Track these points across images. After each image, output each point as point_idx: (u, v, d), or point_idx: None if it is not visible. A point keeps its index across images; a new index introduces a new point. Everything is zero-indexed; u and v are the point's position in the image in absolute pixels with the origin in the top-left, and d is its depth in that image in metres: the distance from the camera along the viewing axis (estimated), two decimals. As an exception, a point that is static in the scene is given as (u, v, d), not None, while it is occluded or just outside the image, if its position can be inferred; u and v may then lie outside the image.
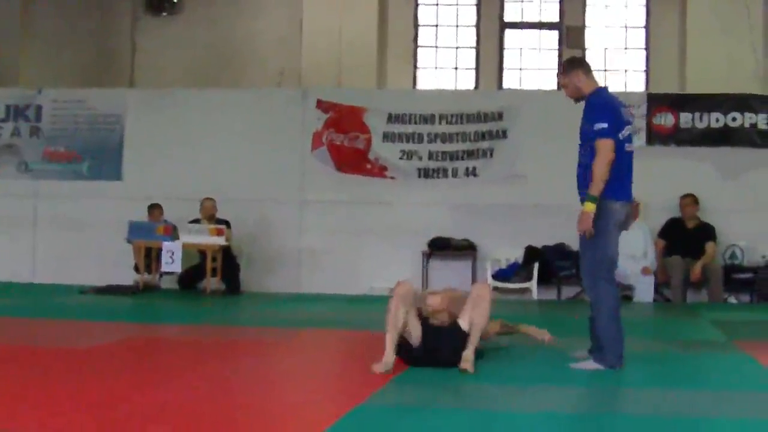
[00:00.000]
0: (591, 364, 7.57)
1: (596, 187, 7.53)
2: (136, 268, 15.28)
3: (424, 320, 7.58)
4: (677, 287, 14.45)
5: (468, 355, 7.23)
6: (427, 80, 21.43)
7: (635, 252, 14.45)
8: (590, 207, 7.53)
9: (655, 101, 15.63)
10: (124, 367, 7.48)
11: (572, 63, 8.15)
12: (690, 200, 14.73)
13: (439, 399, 6.35)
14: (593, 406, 6.14)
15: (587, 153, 7.74)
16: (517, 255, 15.50)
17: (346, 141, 16.13)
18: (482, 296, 7.51)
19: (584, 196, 7.67)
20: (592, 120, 7.66)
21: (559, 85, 8.07)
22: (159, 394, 6.16)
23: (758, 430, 5.45)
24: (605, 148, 7.56)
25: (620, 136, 7.75)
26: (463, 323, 7.45)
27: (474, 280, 15.45)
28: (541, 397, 6.47)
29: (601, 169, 7.54)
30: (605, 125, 7.61)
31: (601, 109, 7.75)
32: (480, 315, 7.38)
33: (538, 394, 6.60)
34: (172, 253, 14.43)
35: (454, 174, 15.88)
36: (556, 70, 7.96)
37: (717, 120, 15.29)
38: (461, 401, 6.36)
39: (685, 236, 14.64)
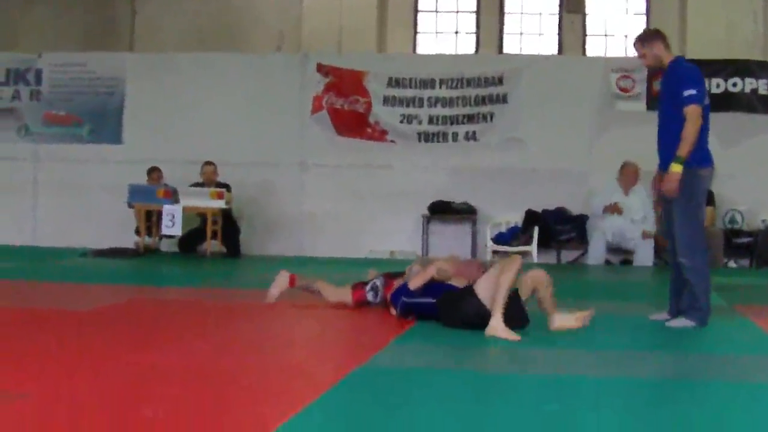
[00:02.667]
0: (684, 322, 7.92)
1: (685, 150, 7.79)
2: (137, 231, 15.31)
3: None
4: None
5: (493, 321, 7.22)
6: (428, 45, 21.39)
7: (635, 216, 14.48)
8: (678, 168, 7.80)
9: (656, 66, 15.61)
10: (126, 328, 7.49)
11: (652, 33, 8.39)
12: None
13: (438, 361, 6.38)
14: (594, 369, 6.16)
15: (671, 118, 7.99)
16: (516, 219, 15.55)
17: (346, 105, 16.13)
18: (510, 264, 7.45)
19: (667, 161, 7.95)
20: (681, 86, 7.90)
21: (639, 55, 8.25)
22: (162, 355, 6.18)
23: (759, 393, 5.49)
24: (695, 115, 7.85)
25: (705, 102, 7.91)
26: (480, 290, 7.45)
27: (474, 243, 15.54)
28: (545, 360, 6.50)
29: (692, 134, 7.82)
30: (694, 92, 7.89)
31: (690, 76, 8.05)
32: (504, 278, 7.32)
33: (542, 356, 6.63)
34: (173, 216, 14.44)
35: (454, 138, 15.90)
36: (634, 41, 8.17)
37: (717, 85, 15.28)
38: (461, 363, 6.38)
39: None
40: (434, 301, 7.70)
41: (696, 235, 8.02)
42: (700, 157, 7.91)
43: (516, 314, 7.34)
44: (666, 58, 8.15)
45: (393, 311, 8.05)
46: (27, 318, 7.86)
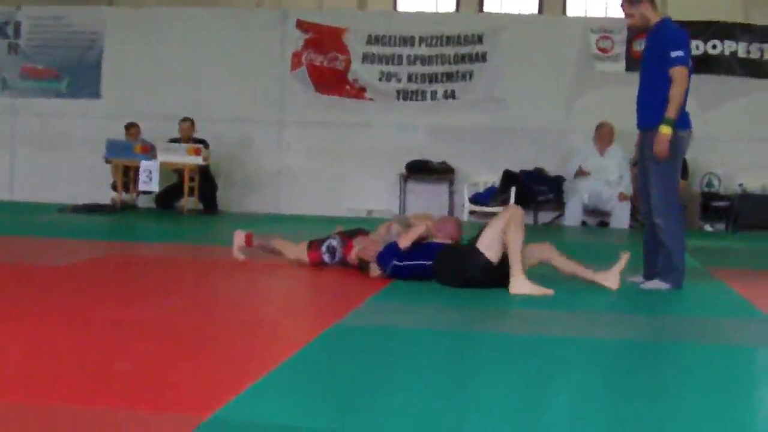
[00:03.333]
0: (658, 284, 7.99)
1: (673, 111, 7.78)
2: (114, 187, 15.27)
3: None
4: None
5: (516, 280, 7.31)
6: (408, 2, 21.32)
7: (611, 177, 14.51)
8: (668, 130, 7.77)
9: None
10: (102, 284, 7.49)
11: None
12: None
13: (414, 320, 6.39)
14: (570, 331, 6.18)
15: (654, 78, 7.95)
16: (494, 179, 15.56)
17: (326, 62, 16.09)
18: (515, 219, 7.46)
19: (646, 121, 8.01)
20: (668, 48, 7.84)
21: (627, 15, 8.20)
22: (139, 311, 6.18)
23: (733, 355, 5.53)
24: (682, 76, 7.80)
25: (689, 65, 7.91)
26: (484, 246, 7.47)
27: (451, 203, 15.56)
28: (522, 320, 6.53)
29: (680, 96, 7.81)
30: (682, 53, 7.83)
31: (678, 38, 7.98)
32: (514, 236, 7.35)
33: (519, 316, 6.66)
34: (150, 172, 14.42)
35: (433, 96, 15.88)
36: (621, 1, 8.16)
37: (697, 47, 15.24)
38: (437, 322, 6.39)
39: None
40: (427, 263, 7.72)
41: (671, 196, 8.04)
42: (679, 120, 7.88)
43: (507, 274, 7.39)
44: (653, 19, 8.11)
45: (377, 272, 7.98)
46: (3, 273, 7.84)
